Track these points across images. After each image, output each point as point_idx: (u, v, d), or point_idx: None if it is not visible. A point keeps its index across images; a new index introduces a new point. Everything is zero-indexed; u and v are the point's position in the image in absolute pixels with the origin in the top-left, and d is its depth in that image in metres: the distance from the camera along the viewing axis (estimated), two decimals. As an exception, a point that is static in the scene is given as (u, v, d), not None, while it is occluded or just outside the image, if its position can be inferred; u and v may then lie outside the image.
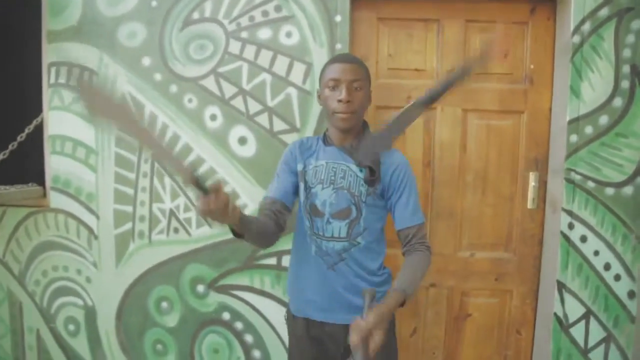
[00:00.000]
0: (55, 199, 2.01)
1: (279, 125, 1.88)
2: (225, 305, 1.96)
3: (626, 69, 1.74)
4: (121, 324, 2.03)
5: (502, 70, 1.92)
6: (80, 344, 2.06)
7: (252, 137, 1.90)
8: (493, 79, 1.93)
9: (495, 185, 1.96)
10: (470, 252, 1.99)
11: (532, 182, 1.93)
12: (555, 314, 1.83)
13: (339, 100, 1.35)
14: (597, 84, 1.76)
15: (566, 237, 1.80)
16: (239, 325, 1.96)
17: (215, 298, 1.96)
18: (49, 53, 1.97)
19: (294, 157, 1.47)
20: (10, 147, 1.96)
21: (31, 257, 2.05)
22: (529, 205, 1.95)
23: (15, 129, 2.00)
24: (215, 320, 1.97)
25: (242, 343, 1.97)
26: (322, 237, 1.41)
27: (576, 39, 1.75)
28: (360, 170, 1.39)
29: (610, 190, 1.78)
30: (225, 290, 1.96)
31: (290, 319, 1.53)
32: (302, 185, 1.45)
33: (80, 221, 2.01)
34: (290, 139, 1.87)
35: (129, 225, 1.98)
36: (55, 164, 2.01)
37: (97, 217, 2.00)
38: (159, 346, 2.01)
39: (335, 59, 1.43)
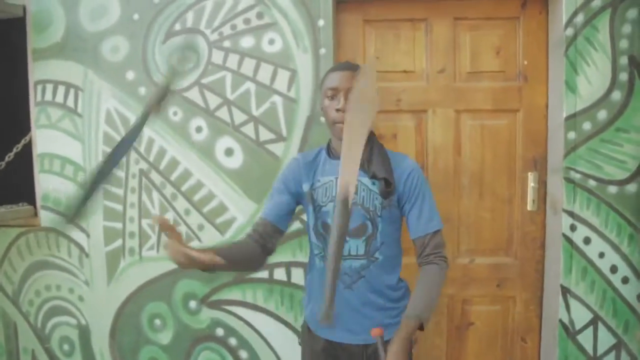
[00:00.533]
0: (46, 218, 2.00)
1: (265, 134, 1.83)
2: (218, 320, 1.91)
3: (624, 60, 1.66)
4: (115, 342, 1.99)
5: (495, 68, 1.85)
6: (76, 364, 2.04)
7: (239, 148, 1.85)
8: (485, 78, 1.86)
9: (493, 188, 1.88)
10: (470, 258, 1.91)
11: (531, 182, 1.85)
12: (560, 320, 1.74)
13: (338, 110, 1.28)
14: (593, 78, 1.68)
15: (568, 240, 1.72)
16: (232, 341, 1.91)
17: (208, 314, 1.92)
18: (36, 71, 1.96)
19: (297, 177, 1.39)
20: (-2, 167, 1.95)
21: (24, 277, 2.04)
22: (529, 207, 1.86)
23: (4, 148, 1.99)
24: (209, 336, 1.93)
25: (237, 359, 1.92)
26: None
27: (569, 31, 1.67)
28: (373, 183, 1.31)
29: (613, 189, 1.69)
30: (218, 305, 1.91)
31: (306, 332, 1.46)
32: (310, 206, 1.38)
33: (70, 239, 1.99)
34: (277, 148, 1.83)
35: (119, 242, 1.95)
36: (44, 183, 1.99)
37: (88, 235, 1.97)
38: (154, 364, 1.97)
39: (333, 68, 1.38)
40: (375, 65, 1.71)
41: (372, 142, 1.36)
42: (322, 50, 1.79)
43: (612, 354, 1.73)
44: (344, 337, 1.36)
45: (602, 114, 1.68)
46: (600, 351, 1.74)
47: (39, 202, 2.01)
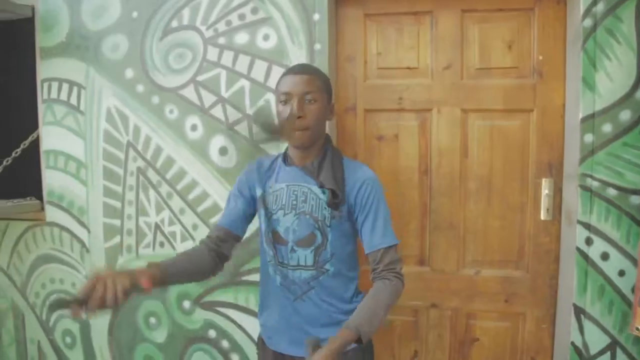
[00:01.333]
0: (51, 213, 2.04)
1: (259, 133, 1.77)
2: (211, 322, 1.88)
3: (651, 54, 1.46)
4: (113, 338, 2.01)
5: (507, 64, 1.70)
6: (77, 356, 2.07)
7: (233, 147, 1.81)
8: (496, 74, 1.71)
9: (503, 194, 1.73)
10: (476, 269, 1.77)
11: (546, 189, 1.69)
12: (572, 343, 1.57)
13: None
14: (615, 74, 1.49)
15: (583, 255, 1.55)
16: (225, 343, 1.87)
17: (201, 315, 1.89)
18: (42, 69, 2.01)
19: (251, 182, 1.37)
20: (4, 162, 2.00)
21: (31, 269, 2.10)
22: (543, 216, 1.70)
23: (13, 144, 2.05)
24: (201, 337, 1.90)
25: (228, 362, 1.88)
26: (288, 266, 1.29)
27: (588, 22, 1.49)
28: (323, 192, 1.26)
29: (636, 199, 1.50)
30: (211, 306, 1.88)
31: (261, 346, 1.43)
32: (262, 212, 1.34)
33: (73, 235, 2.02)
34: (271, 148, 1.76)
35: (117, 239, 1.97)
36: (50, 179, 2.03)
37: (88, 231, 2.00)
38: (149, 362, 1.97)
39: (287, 71, 1.31)
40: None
41: (326, 149, 1.31)
42: (317, 46, 1.70)
43: (632, 384, 1.55)
44: (292, 349, 1.30)
45: (625, 115, 1.49)
46: (617, 381, 1.56)
47: (45, 198, 2.05)
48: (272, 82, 1.74)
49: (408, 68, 1.77)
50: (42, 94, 2.01)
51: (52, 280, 2.07)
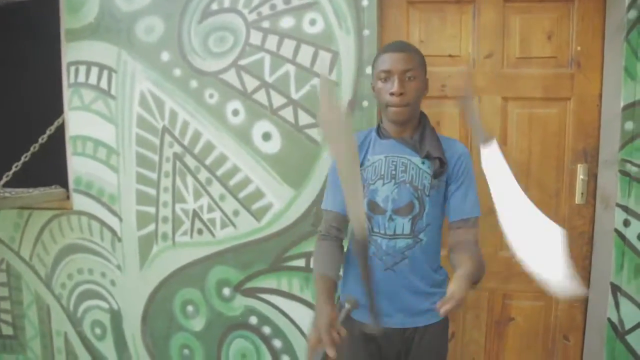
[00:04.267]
0: (78, 201, 1.98)
1: (304, 119, 1.77)
2: (252, 309, 1.88)
3: (691, 46, 1.55)
4: (147, 327, 1.98)
5: (546, 54, 1.76)
6: (107, 348, 2.03)
7: (277, 133, 1.80)
8: (536, 64, 1.77)
9: (540, 180, 1.80)
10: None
11: (581, 175, 1.77)
12: (609, 319, 1.67)
13: (392, 93, 1.26)
14: (656, 65, 1.58)
15: (621, 236, 1.64)
16: (266, 329, 1.88)
17: (241, 301, 1.89)
18: (68, 52, 1.92)
19: None
20: (32, 148, 1.92)
21: (57, 260, 2.03)
22: (577, 200, 1.78)
23: (37, 131, 1.97)
24: (242, 324, 1.90)
25: (271, 348, 1.89)
26: (384, 235, 1.31)
27: (632, 13, 1.57)
28: (423, 163, 1.30)
29: (672, 182, 1.60)
30: (252, 293, 1.88)
31: (344, 317, 1.42)
32: None
33: (103, 223, 1.96)
34: (317, 133, 1.77)
35: (152, 227, 1.93)
36: (77, 166, 1.97)
37: (120, 219, 1.95)
38: (186, 351, 1.95)
39: (386, 49, 1.33)
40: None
41: (425, 123, 1.36)
42: (366, 32, 1.71)
43: (663, 355, 1.66)
44: (382, 321, 1.31)
45: (664, 104, 1.58)
46: (650, 352, 1.67)
47: (71, 185, 1.98)
48: (319, 68, 1.75)
49: (450, 56, 1.81)
50: (68, 78, 1.93)
51: (80, 270, 2.01)
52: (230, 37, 1.80)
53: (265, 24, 1.77)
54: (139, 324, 1.98)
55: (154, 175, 1.91)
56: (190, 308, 1.93)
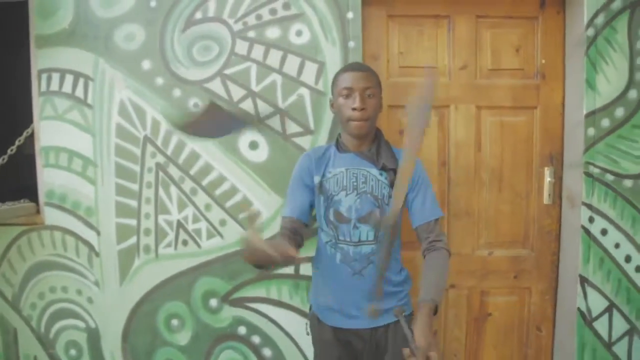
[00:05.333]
0: (51, 215, 1.87)
1: (292, 127, 1.80)
2: (240, 319, 1.86)
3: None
4: (128, 345, 1.90)
5: (514, 66, 1.90)
6: (83, 369, 1.93)
7: (264, 141, 1.81)
8: (505, 75, 1.91)
9: (511, 183, 1.94)
10: (489, 250, 1.96)
11: (548, 177, 1.92)
12: (578, 308, 1.82)
13: (354, 109, 1.37)
14: (612, 77, 1.75)
15: (587, 231, 1.80)
16: (256, 339, 1.87)
17: (229, 312, 1.86)
18: (39, 59, 1.83)
19: (309, 171, 1.47)
20: (0, 160, 1.80)
21: (26, 279, 1.90)
22: (545, 201, 1.93)
23: (5, 142, 1.85)
24: (230, 335, 1.87)
25: (260, 358, 1.88)
26: (350, 242, 1.42)
27: (590, 31, 1.74)
28: (380, 174, 1.42)
29: (628, 182, 1.78)
30: (240, 303, 1.86)
31: (316, 324, 1.52)
32: (321, 198, 1.45)
33: (79, 238, 1.87)
34: (305, 142, 1.80)
35: (133, 240, 1.86)
36: (49, 178, 1.86)
37: (98, 233, 1.87)
38: (171, 366, 1.90)
39: (346, 68, 1.46)
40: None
41: (380, 137, 1.48)
42: (351, 44, 1.77)
43: (625, 339, 1.83)
44: (352, 323, 1.43)
45: (620, 112, 1.76)
46: (614, 337, 1.83)
47: (42, 199, 1.88)
48: (306, 77, 1.79)
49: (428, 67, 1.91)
50: (39, 86, 1.84)
51: (53, 289, 1.90)
52: (215, 46, 1.80)
53: (251, 34, 1.79)
54: (119, 342, 1.90)
55: (135, 187, 1.85)
56: (175, 322, 1.88)
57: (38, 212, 1.89)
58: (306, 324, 1.57)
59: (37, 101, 1.85)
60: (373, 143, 1.46)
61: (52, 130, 1.85)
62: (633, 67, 1.74)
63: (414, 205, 1.42)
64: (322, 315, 1.49)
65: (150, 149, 1.83)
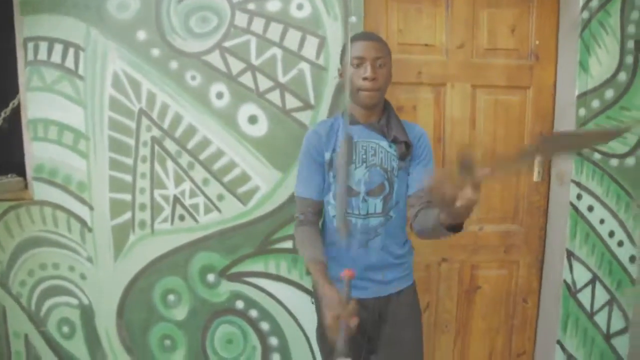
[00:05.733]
0: (40, 190, 1.81)
1: (291, 102, 1.79)
2: (238, 293, 1.87)
3: (630, 44, 1.81)
4: (123, 321, 1.88)
5: (510, 46, 1.94)
6: (77, 346, 1.90)
7: (263, 116, 1.79)
8: (501, 55, 1.94)
9: (503, 160, 1.99)
10: (480, 225, 2.02)
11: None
12: (564, 280, 1.91)
13: (364, 78, 1.35)
14: (603, 59, 1.81)
15: (575, 208, 1.87)
16: (253, 313, 1.88)
17: (227, 287, 1.87)
18: (25, 27, 1.74)
19: (319, 148, 1.45)
20: (-15, 133, 1.73)
21: (14, 256, 1.85)
22: (535, 178, 2.00)
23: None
24: (227, 309, 1.88)
25: (258, 331, 1.89)
26: (358, 215, 1.43)
27: (584, 14, 1.79)
28: (390, 146, 1.41)
29: (614, 162, 1.86)
30: (238, 278, 1.86)
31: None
32: (331, 173, 1.44)
33: (70, 213, 1.82)
34: (304, 116, 1.79)
35: (128, 215, 1.83)
36: (38, 152, 1.80)
37: (91, 208, 1.82)
38: (167, 341, 1.89)
39: (358, 37, 1.42)
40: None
41: (389, 110, 1.48)
42: (353, 19, 1.76)
43: (606, 309, 1.94)
44: (357, 293, 1.42)
45: (609, 93, 1.83)
46: (595, 307, 1.93)
47: (30, 173, 1.81)
48: (306, 52, 1.77)
49: (426, 45, 1.92)
50: (25, 55, 1.76)
51: (43, 266, 1.85)
52: (214, 17, 1.75)
53: (251, 6, 1.75)
54: (114, 318, 1.87)
55: (129, 161, 1.81)
56: (171, 297, 1.87)
57: (26, 187, 1.82)
58: (312, 292, 1.59)
59: (22, 71, 1.77)
60: (382, 114, 1.45)
61: (40, 102, 1.78)
62: (624, 50, 1.81)
63: (415, 172, 1.43)
64: None
65: (145, 122, 1.79)
